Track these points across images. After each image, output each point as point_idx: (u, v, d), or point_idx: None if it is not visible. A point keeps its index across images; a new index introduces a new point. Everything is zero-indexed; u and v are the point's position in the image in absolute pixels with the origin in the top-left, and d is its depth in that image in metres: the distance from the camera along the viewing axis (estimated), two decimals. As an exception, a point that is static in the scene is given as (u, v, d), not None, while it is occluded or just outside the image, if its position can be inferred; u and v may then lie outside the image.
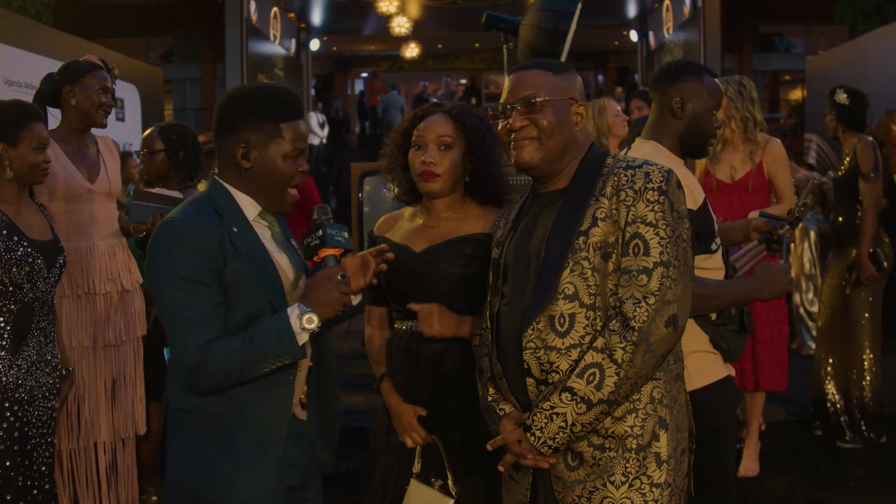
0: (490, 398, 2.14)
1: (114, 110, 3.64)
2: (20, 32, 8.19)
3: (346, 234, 2.12)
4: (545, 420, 1.93)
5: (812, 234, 7.59)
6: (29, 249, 2.86)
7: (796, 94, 21.23)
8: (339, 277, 2.02)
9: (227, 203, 2.10)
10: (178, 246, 2.00)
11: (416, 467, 2.48)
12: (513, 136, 2.08)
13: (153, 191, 3.66)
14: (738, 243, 2.85)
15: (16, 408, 2.81)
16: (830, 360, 5.05)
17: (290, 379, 2.10)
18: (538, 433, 1.94)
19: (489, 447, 2.09)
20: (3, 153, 2.90)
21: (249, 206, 2.13)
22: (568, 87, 2.10)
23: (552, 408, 1.92)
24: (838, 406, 4.98)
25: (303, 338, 2.00)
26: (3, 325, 2.81)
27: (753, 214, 3.03)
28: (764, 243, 2.62)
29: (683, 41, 16.08)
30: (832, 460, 4.67)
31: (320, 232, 2.09)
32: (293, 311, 1.99)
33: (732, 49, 19.04)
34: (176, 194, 3.62)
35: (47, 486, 2.91)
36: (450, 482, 2.41)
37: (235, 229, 2.06)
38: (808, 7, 16.57)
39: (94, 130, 3.63)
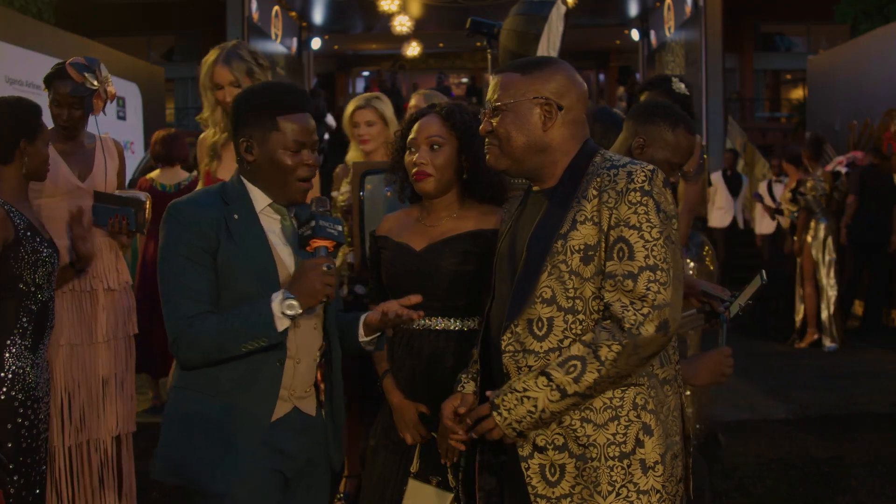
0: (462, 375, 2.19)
1: (115, 109, 3.60)
2: (21, 31, 8.22)
3: (339, 228, 2.13)
4: (515, 402, 1.91)
5: (822, 228, 7.56)
6: (50, 250, 2.87)
7: (797, 94, 21.25)
8: (324, 268, 2.04)
9: (238, 193, 2.19)
10: (176, 224, 2.12)
11: (415, 466, 2.48)
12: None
13: (114, 193, 3.61)
14: None
15: (36, 406, 2.84)
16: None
17: (277, 365, 2.13)
18: (505, 413, 1.92)
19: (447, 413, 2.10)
20: (23, 150, 2.89)
21: (259, 198, 2.20)
22: (534, 87, 2.00)
23: (525, 390, 1.90)
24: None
25: (283, 323, 2.04)
26: (26, 324, 2.82)
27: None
28: (703, 314, 2.49)
29: (685, 40, 16.06)
30: (832, 460, 4.68)
31: (313, 223, 2.10)
32: (277, 296, 2.04)
33: (734, 48, 19.04)
34: (140, 195, 3.56)
35: (43, 483, 2.92)
36: (449, 476, 2.42)
37: (236, 216, 2.14)
38: (810, 6, 16.56)
39: (95, 129, 3.61)
